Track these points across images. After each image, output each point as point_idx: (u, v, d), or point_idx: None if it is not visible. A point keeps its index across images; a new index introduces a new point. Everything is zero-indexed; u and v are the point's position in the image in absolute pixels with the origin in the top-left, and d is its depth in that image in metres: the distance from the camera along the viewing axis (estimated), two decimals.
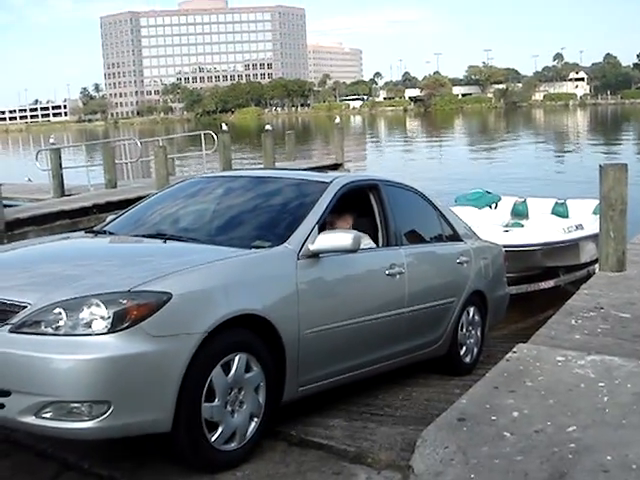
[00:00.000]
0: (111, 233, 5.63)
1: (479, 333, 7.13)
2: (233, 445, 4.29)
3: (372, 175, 7.12)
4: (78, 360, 3.74)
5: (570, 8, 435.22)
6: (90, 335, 3.81)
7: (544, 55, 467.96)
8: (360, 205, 6.04)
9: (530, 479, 3.63)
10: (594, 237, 10.05)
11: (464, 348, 6.86)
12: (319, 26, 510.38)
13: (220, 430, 4.19)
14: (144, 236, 5.36)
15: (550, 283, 12.07)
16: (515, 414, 4.37)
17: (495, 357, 6.42)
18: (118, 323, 3.82)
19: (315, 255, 4.95)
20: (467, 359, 6.93)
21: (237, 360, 4.27)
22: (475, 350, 7.06)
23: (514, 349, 5.54)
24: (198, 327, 4.03)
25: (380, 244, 5.94)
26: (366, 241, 5.72)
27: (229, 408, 4.25)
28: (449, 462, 3.84)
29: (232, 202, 5.83)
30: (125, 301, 3.88)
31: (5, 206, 15.48)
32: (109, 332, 3.81)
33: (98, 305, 3.85)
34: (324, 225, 5.53)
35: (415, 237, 6.61)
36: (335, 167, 24.65)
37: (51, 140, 27.91)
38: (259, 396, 4.46)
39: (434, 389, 6.36)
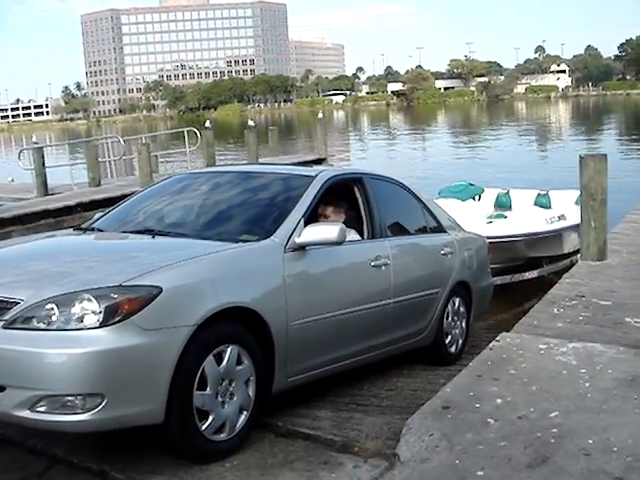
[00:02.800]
0: (99, 230, 5.69)
1: (464, 323, 7.20)
2: (222, 436, 4.36)
3: (356, 168, 7.21)
4: (71, 354, 3.81)
5: (551, 1, 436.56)
6: (82, 329, 3.87)
7: (526, 48, 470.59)
8: (345, 198, 6.11)
9: (513, 464, 3.70)
10: (576, 227, 10.16)
11: (449, 338, 6.93)
12: (301, 21, 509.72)
13: (210, 419, 4.25)
14: (132, 232, 5.41)
15: (534, 273, 12.16)
16: (499, 401, 4.45)
17: (479, 347, 6.48)
18: (110, 317, 3.88)
19: (301, 248, 5.02)
20: (452, 349, 7.00)
21: (229, 351, 4.34)
22: (460, 340, 7.13)
23: (497, 338, 5.62)
24: (188, 320, 4.10)
25: (365, 236, 6.01)
26: (351, 234, 5.79)
27: (220, 398, 4.32)
28: (434, 449, 3.92)
29: (218, 197, 5.88)
30: (116, 295, 3.95)
31: None
32: (101, 326, 3.87)
33: (90, 300, 3.92)
34: (316, 217, 5.62)
35: (400, 229, 6.68)
36: (318, 162, 24.64)
37: (33, 139, 27.75)
38: (249, 389, 4.53)
39: (419, 379, 6.42)
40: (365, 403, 5.59)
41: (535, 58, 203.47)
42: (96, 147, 23.13)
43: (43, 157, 20.17)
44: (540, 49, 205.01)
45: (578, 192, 9.24)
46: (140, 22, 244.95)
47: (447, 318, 6.86)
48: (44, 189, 19.53)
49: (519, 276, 11.98)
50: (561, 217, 12.36)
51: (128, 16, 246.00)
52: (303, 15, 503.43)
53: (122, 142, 23.66)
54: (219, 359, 4.30)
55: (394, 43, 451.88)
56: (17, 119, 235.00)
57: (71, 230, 6.08)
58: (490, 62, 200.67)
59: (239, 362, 4.43)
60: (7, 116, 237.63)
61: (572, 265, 9.35)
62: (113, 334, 3.87)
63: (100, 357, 3.83)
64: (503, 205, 13.77)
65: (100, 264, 4.54)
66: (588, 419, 4.16)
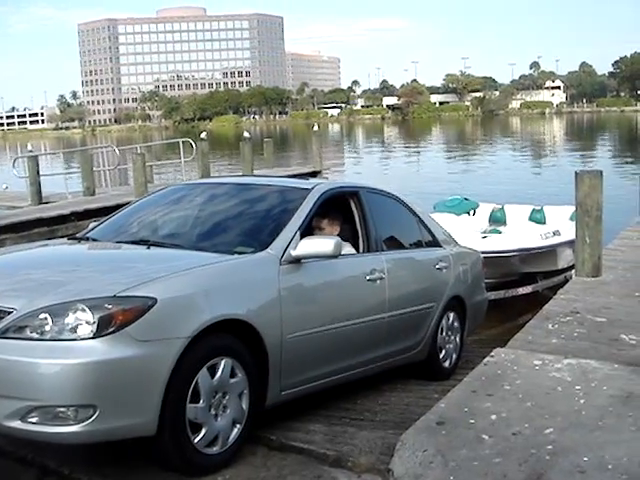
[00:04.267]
0: (94, 239, 5.65)
1: (458, 338, 7.19)
2: (215, 449, 4.33)
3: (353, 182, 7.20)
4: (64, 364, 3.78)
5: (546, 17, 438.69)
6: (76, 340, 3.85)
7: (521, 63, 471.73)
8: (341, 211, 6.10)
9: None
10: (571, 243, 10.17)
11: (443, 353, 6.92)
12: (297, 34, 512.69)
13: (203, 432, 4.23)
14: (127, 242, 5.39)
15: (528, 289, 12.18)
16: (493, 417, 4.42)
17: (473, 362, 6.46)
18: (104, 328, 3.85)
19: (297, 261, 5.01)
20: (446, 364, 6.99)
21: (223, 364, 4.32)
22: (454, 355, 7.12)
23: (492, 353, 5.60)
24: (183, 331, 4.08)
25: (361, 250, 6.00)
26: (347, 247, 5.77)
27: (213, 411, 4.29)
28: (428, 465, 3.89)
29: (214, 208, 5.87)
30: (110, 306, 3.92)
31: None
32: (95, 337, 3.84)
33: (84, 310, 3.89)
34: (311, 230, 5.60)
35: (395, 243, 6.68)
36: (313, 175, 24.67)
37: (28, 147, 27.77)
38: (242, 402, 4.50)
39: (413, 394, 6.41)
40: (359, 417, 5.57)
41: (530, 74, 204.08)
42: (91, 156, 23.09)
43: (38, 165, 20.14)
44: (535, 65, 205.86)
45: (573, 208, 9.25)
46: (137, 32, 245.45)
47: (441, 333, 6.85)
48: (38, 197, 19.50)
49: (513, 291, 11.99)
50: (556, 233, 12.37)
51: (125, 26, 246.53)
52: (299, 28, 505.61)
53: (117, 152, 23.64)
54: (213, 371, 4.28)
55: (390, 57, 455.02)
56: (12, 127, 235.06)
57: (65, 239, 6.06)
58: (485, 77, 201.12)
59: (233, 375, 4.40)
60: (2, 124, 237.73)
61: (567, 281, 9.35)
62: (107, 345, 3.84)
63: (93, 368, 3.80)
64: (498, 220, 13.80)
65: (94, 274, 4.52)
66: (583, 436, 4.14)
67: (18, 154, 34.73)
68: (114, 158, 24.07)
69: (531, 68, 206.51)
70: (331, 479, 4.26)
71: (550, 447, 4.00)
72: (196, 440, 4.19)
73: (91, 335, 3.85)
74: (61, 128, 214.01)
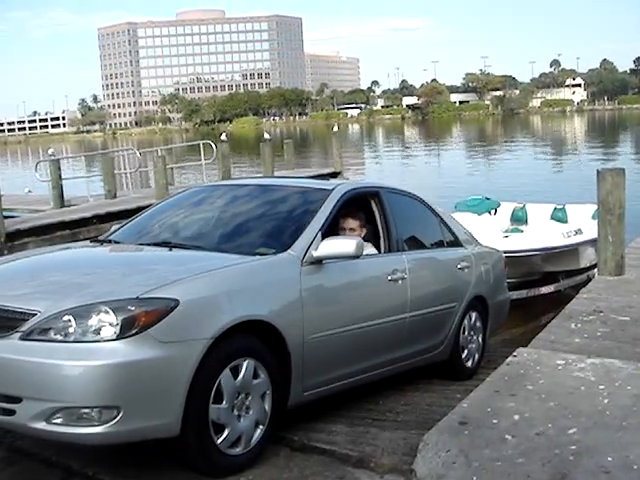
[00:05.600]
0: (116, 242, 5.69)
1: (480, 338, 7.17)
2: (238, 450, 4.34)
3: (374, 182, 7.19)
4: (88, 366, 3.81)
5: (566, 15, 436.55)
6: (99, 341, 3.88)
7: (541, 61, 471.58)
8: (362, 212, 6.09)
9: None
10: (593, 242, 10.12)
11: (465, 353, 6.90)
12: (316, 35, 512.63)
13: (226, 433, 4.24)
14: (149, 244, 5.42)
15: (550, 288, 12.13)
16: (516, 417, 4.41)
17: (496, 362, 6.45)
18: (127, 329, 3.88)
19: (318, 261, 5.01)
20: (468, 364, 6.97)
21: (245, 365, 4.34)
22: (476, 355, 7.10)
23: (514, 353, 5.58)
24: (205, 333, 4.10)
25: (382, 250, 6.00)
26: (368, 247, 5.77)
27: (236, 412, 4.31)
28: (451, 465, 3.88)
29: (236, 210, 5.88)
30: (133, 308, 3.95)
31: (5, 217, 15.48)
32: (118, 338, 3.87)
33: (107, 312, 3.92)
34: (335, 229, 5.61)
35: (416, 243, 6.68)
36: (334, 175, 24.67)
37: (50, 151, 27.91)
38: (265, 403, 4.52)
39: (435, 394, 6.39)
40: (381, 418, 5.56)
41: (550, 72, 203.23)
42: (112, 159, 23.22)
43: (59, 169, 20.23)
44: (555, 63, 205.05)
45: (595, 206, 9.20)
46: (156, 35, 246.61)
47: (463, 332, 6.83)
48: (60, 201, 19.60)
49: (535, 291, 11.95)
50: (578, 231, 12.31)
51: (145, 29, 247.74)
52: (318, 29, 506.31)
53: (138, 154, 23.75)
54: (235, 372, 4.29)
55: (409, 57, 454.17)
56: (34, 131, 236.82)
57: (88, 242, 6.10)
58: (505, 76, 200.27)
59: (255, 376, 4.42)
60: (24, 128, 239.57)
61: (589, 280, 9.29)
62: (130, 346, 3.87)
63: (117, 369, 3.83)
64: (519, 219, 13.74)
65: (117, 276, 4.54)
66: (607, 436, 4.11)
67: (40, 158, 34.97)
68: (135, 161, 24.23)
69: (551, 66, 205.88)
70: None
71: (574, 447, 3.98)
72: (219, 441, 4.21)
73: (114, 337, 3.87)
74: (82, 132, 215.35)
